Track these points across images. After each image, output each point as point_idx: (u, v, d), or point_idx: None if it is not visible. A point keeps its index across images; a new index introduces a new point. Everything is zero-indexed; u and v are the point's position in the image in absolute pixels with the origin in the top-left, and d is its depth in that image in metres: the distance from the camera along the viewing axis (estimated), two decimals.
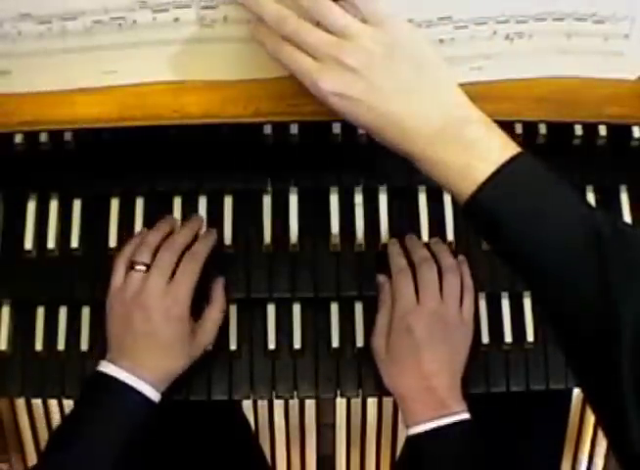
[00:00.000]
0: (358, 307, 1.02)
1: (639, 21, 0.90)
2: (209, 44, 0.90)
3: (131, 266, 0.95)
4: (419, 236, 1.03)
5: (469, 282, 1.01)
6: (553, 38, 0.91)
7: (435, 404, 0.94)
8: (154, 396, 0.92)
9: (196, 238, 0.99)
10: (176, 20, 0.88)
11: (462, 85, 0.79)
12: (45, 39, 0.89)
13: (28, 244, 1.01)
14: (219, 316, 0.99)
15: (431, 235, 1.03)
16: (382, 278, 1.01)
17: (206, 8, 0.87)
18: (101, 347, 0.98)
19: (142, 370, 0.92)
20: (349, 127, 0.99)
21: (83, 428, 0.90)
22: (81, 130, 0.97)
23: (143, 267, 0.95)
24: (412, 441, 0.94)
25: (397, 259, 1.01)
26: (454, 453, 0.93)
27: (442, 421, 0.93)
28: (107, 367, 0.92)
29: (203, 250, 0.98)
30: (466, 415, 0.94)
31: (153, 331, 0.93)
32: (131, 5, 0.87)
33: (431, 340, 0.96)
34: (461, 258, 1.02)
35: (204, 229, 1.01)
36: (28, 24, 0.88)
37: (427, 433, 0.93)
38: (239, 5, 0.85)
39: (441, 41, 0.89)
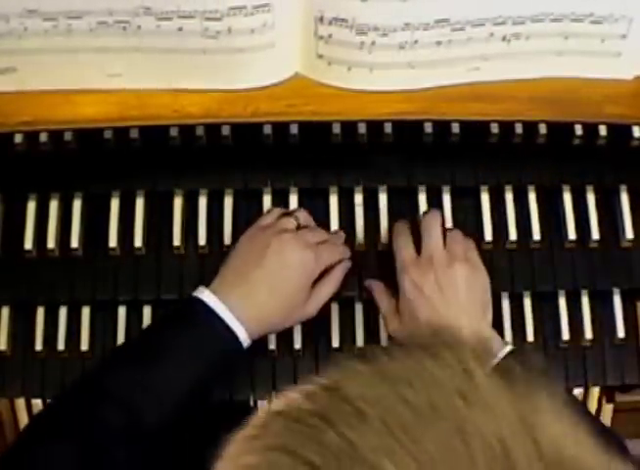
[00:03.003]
0: (358, 307, 1.02)
1: (636, 21, 0.90)
2: (212, 55, 0.90)
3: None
4: (419, 236, 1.02)
5: (471, 243, 0.99)
6: (550, 39, 0.91)
7: None
8: (244, 339, 0.90)
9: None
10: (180, 29, 0.89)
11: (460, 86, 0.79)
12: (50, 37, 0.89)
13: (28, 244, 1.00)
14: (330, 292, 0.98)
15: None
16: (367, 282, 1.01)
17: (210, 19, 0.88)
18: (101, 346, 0.99)
19: (244, 311, 0.90)
20: (349, 127, 0.99)
21: (162, 351, 0.89)
22: (81, 130, 0.97)
23: (295, 222, 0.97)
24: None
25: (399, 224, 1.01)
26: None
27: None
28: (207, 297, 0.90)
29: (347, 253, 1.00)
30: (508, 347, 0.92)
31: (281, 276, 0.92)
32: (135, 10, 0.87)
33: (440, 289, 0.93)
34: None
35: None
36: (34, 21, 0.88)
37: None
38: (243, 17, 0.86)
39: (439, 43, 0.89)
